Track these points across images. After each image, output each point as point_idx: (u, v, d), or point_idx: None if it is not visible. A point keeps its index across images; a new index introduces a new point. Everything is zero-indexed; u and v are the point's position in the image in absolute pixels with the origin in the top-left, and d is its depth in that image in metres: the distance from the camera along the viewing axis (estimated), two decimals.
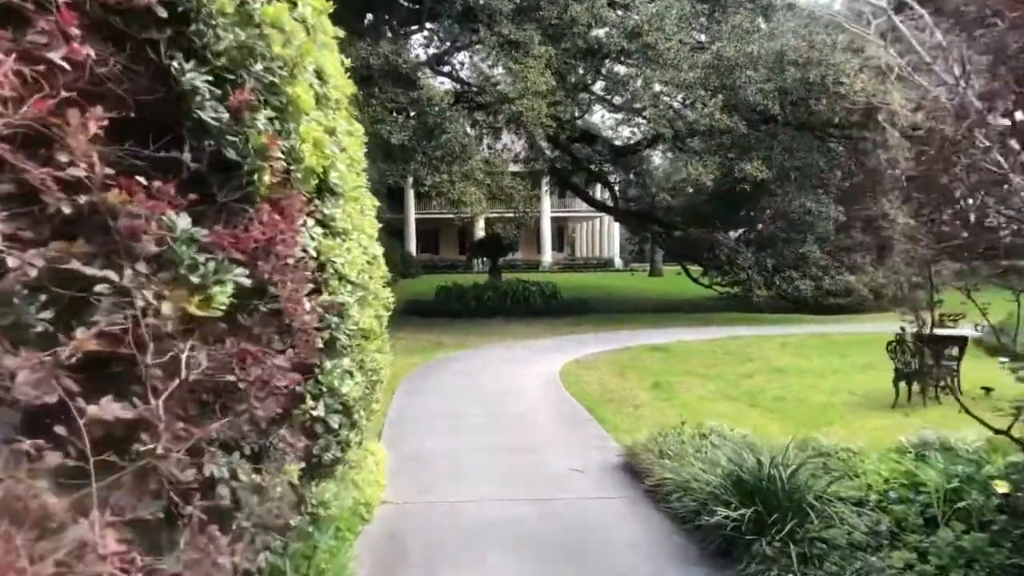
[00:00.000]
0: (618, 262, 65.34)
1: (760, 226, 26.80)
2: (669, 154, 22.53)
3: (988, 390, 10.58)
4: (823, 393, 11.49)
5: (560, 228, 65.29)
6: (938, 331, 12.01)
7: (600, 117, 30.54)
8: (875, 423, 9.46)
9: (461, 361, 15.12)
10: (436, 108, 20.70)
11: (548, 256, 59.25)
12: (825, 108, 19.59)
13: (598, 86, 25.20)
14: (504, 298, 26.28)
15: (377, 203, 4.77)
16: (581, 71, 22.86)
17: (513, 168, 25.85)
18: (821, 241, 23.42)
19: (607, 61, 21.99)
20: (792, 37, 19.82)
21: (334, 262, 3.69)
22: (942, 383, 10.28)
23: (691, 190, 27.30)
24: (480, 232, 50.00)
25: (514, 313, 24.90)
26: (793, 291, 25.00)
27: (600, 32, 22.21)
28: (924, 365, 10.10)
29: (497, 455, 7.95)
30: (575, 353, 15.69)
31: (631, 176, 30.94)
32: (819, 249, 24.47)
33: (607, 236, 66.59)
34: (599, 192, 39.70)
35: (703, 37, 21.90)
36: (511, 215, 24.79)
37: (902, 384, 10.50)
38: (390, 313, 5.91)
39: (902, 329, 10.88)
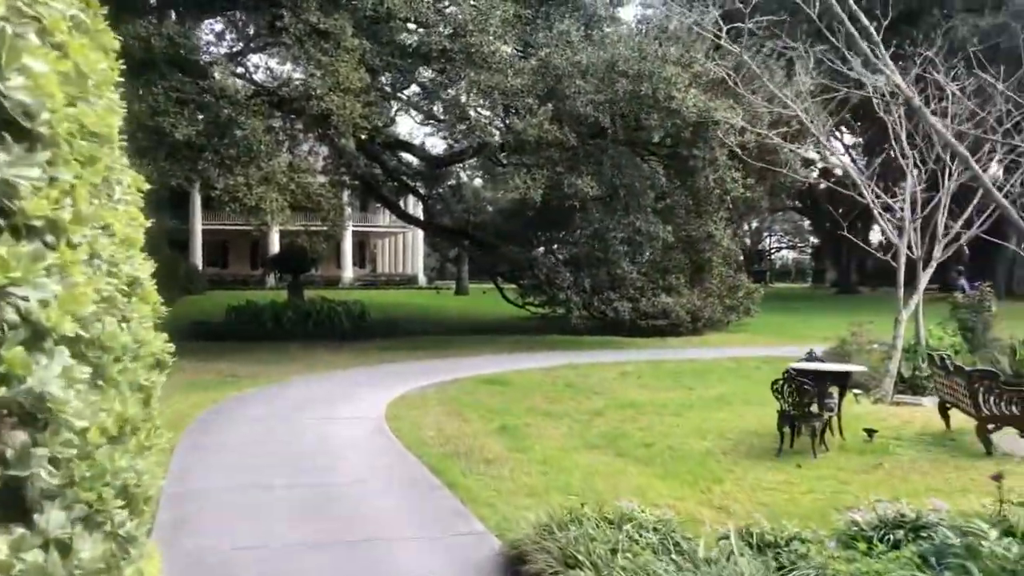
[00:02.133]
0: (422, 279, 63.56)
1: (578, 246, 25.73)
2: (496, 167, 20.77)
3: (871, 432, 9.52)
4: (691, 436, 10.04)
5: (361, 243, 62.53)
6: (819, 365, 10.99)
7: (415, 125, 28.63)
8: (770, 478, 8.04)
9: (260, 401, 12.54)
10: (231, 102, 17.94)
11: (349, 272, 56.41)
12: (656, 123, 18.66)
13: (416, 89, 23.31)
14: (306, 319, 23.56)
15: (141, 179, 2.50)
16: (399, 70, 20.83)
17: (319, 178, 23.35)
18: (649, 262, 22.64)
19: (428, 62, 20.04)
20: (623, 48, 18.77)
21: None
22: (823, 427, 9.05)
23: (511, 206, 25.93)
24: (275, 245, 46.45)
25: (318, 337, 22.27)
26: (611, 312, 24.10)
27: (420, 29, 20.31)
28: (806, 407, 8.84)
29: (321, 554, 5.71)
30: (398, 387, 13.52)
31: (447, 189, 29.16)
32: (636, 270, 23.75)
33: (411, 252, 64.66)
34: (411, 206, 37.68)
35: (531, 42, 20.46)
36: (317, 227, 22.17)
37: (787, 429, 9.20)
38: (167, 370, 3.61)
39: (787, 370, 9.68)
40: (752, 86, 18.61)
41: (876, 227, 72.63)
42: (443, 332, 25.35)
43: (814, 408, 8.85)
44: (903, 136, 13.82)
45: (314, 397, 12.78)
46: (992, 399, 8.51)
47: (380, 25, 19.68)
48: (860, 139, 46.35)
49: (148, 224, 2.59)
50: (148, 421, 2.85)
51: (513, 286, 30.42)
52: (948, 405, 9.88)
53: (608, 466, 8.61)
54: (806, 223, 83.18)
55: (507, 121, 18.87)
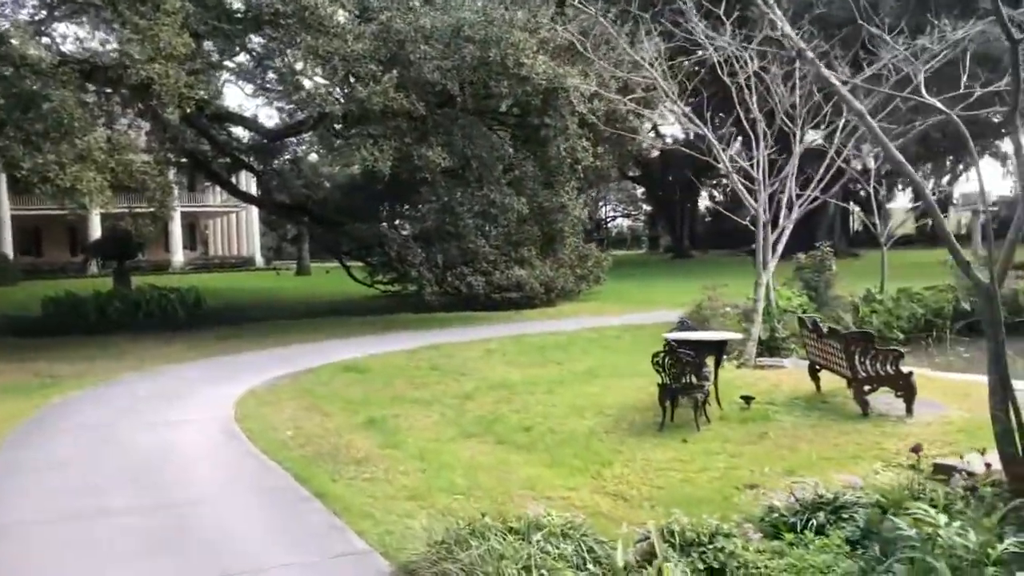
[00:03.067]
0: (259, 260, 60.76)
1: (428, 220, 24.89)
2: (338, 139, 19.59)
3: (748, 400, 9.37)
4: (569, 415, 9.58)
5: (191, 224, 59.02)
6: (696, 334, 10.77)
7: (246, 97, 26.86)
8: (660, 457, 7.67)
9: (88, 405, 11.11)
10: (34, 71, 15.96)
11: (180, 256, 53.14)
12: (506, 90, 18.07)
13: (246, 58, 21.69)
14: (136, 309, 21.61)
15: None
16: (226, 36, 19.21)
17: (143, 156, 21.34)
18: (503, 234, 22.13)
19: (259, 26, 18.56)
20: (468, 12, 18.01)
21: None
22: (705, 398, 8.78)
23: (355, 180, 24.75)
24: (96, 229, 42.91)
25: (150, 328, 20.42)
26: (465, 288, 23.54)
27: None
28: (686, 378, 8.54)
29: None
30: (246, 381, 12.37)
31: (284, 164, 27.53)
32: (487, 243, 23.26)
33: (245, 232, 61.64)
34: (245, 182, 35.58)
35: (369, 5, 19.31)
36: (142, 208, 20.25)
37: (668, 402, 8.86)
38: None
39: (668, 341, 9.34)
40: (599, 52, 18.36)
41: (704, 193, 74.92)
42: (288, 316, 23.96)
43: (695, 379, 8.55)
44: (753, 101, 13.85)
45: (151, 397, 11.46)
46: (868, 361, 8.49)
47: None
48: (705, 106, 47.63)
49: None
50: None
51: (360, 264, 29.30)
52: (818, 367, 9.89)
53: (490, 456, 8.00)
54: (639, 191, 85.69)
55: (349, 90, 17.71)
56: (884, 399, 8.87)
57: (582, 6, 19.22)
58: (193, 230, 60.03)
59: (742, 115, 14.73)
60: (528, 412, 9.91)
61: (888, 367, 8.45)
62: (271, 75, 22.70)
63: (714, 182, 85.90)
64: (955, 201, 71.59)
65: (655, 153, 22.91)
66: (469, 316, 22.04)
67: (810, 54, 6.29)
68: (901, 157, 5.79)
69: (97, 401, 11.36)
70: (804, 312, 16.83)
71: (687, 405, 8.75)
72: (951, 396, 9.37)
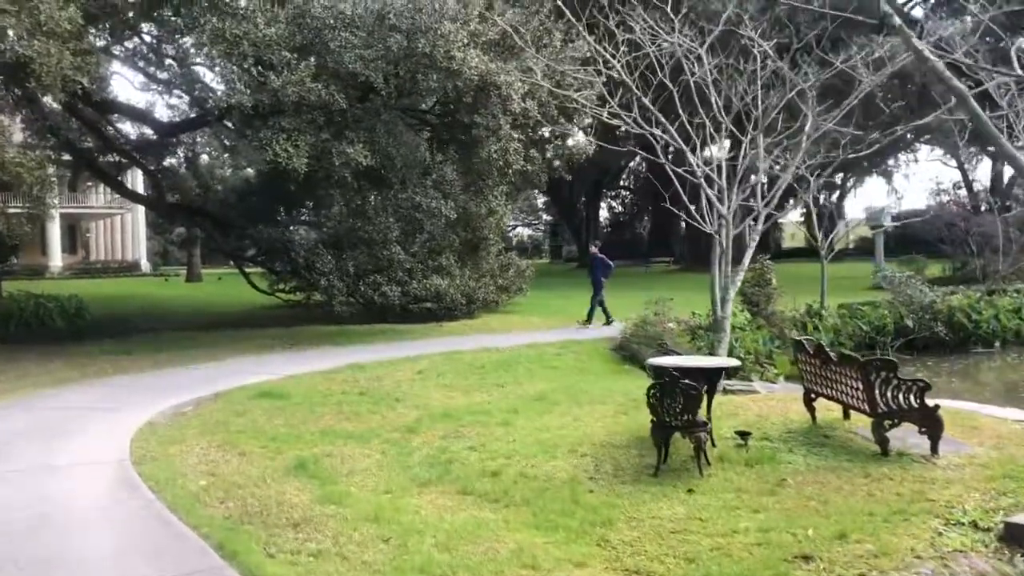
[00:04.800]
0: (145, 265, 57.15)
1: (340, 224, 23.08)
2: (246, 134, 17.68)
3: (744, 436, 8.20)
4: (537, 453, 8.19)
5: (71, 227, 55.00)
6: (689, 360, 9.53)
7: (138, 87, 24.51)
8: (668, 513, 6.39)
9: None
10: None
11: (58, 260, 49.39)
12: (436, 84, 16.60)
13: (142, 41, 19.53)
14: (7, 321, 19.10)
15: None
16: (118, 13, 17.10)
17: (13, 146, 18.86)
18: (427, 241, 20.55)
19: (160, 4, 16.55)
20: None
21: None
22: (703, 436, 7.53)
23: (259, 180, 22.77)
24: None
25: (25, 342, 18.00)
26: (379, 298, 21.87)
27: None
28: (687, 414, 7.28)
29: None
30: (142, 409, 10.49)
31: (180, 161, 25.22)
32: (403, 251, 21.68)
33: (131, 236, 57.93)
34: (131, 182, 32.83)
35: None
36: (16, 208, 17.85)
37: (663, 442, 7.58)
38: None
39: (666, 370, 8.04)
40: (535, 50, 17.17)
41: (604, 204, 74.99)
42: (182, 328, 21.74)
43: (696, 416, 7.30)
44: (715, 100, 12.86)
45: (23, 433, 9.45)
46: (889, 392, 7.43)
47: None
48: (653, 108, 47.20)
49: None
50: None
51: (260, 271, 27.20)
52: (815, 396, 8.83)
53: (459, 514, 6.54)
54: (540, 200, 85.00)
55: (260, 79, 15.88)
56: (897, 432, 7.84)
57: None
58: (73, 232, 55.98)
59: (690, 117, 13.78)
60: (487, 450, 8.47)
61: (912, 399, 7.40)
62: (169, 62, 20.58)
63: (613, 192, 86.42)
64: (845, 216, 73.78)
65: (582, 150, 21.59)
66: (386, 329, 20.39)
67: (906, 30, 5.16)
68: (1013, 150, 4.71)
69: None
70: (748, 327, 16.01)
71: (691, 446, 7.49)
72: (960, 429, 8.42)
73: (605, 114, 13.33)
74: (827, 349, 8.74)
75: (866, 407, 7.57)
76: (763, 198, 13.12)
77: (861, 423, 8.57)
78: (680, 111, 13.79)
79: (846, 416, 8.81)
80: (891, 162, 61.30)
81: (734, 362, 9.55)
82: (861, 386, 7.56)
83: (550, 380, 12.53)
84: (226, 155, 37.24)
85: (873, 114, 21.18)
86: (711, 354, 13.17)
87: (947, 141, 42.03)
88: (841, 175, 71.73)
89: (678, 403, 7.21)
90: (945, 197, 48.39)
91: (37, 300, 20.22)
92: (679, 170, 12.84)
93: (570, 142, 21.64)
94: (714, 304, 15.61)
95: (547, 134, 21.56)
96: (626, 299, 26.03)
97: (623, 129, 15.05)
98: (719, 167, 12.50)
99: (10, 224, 17.95)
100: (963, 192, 53.31)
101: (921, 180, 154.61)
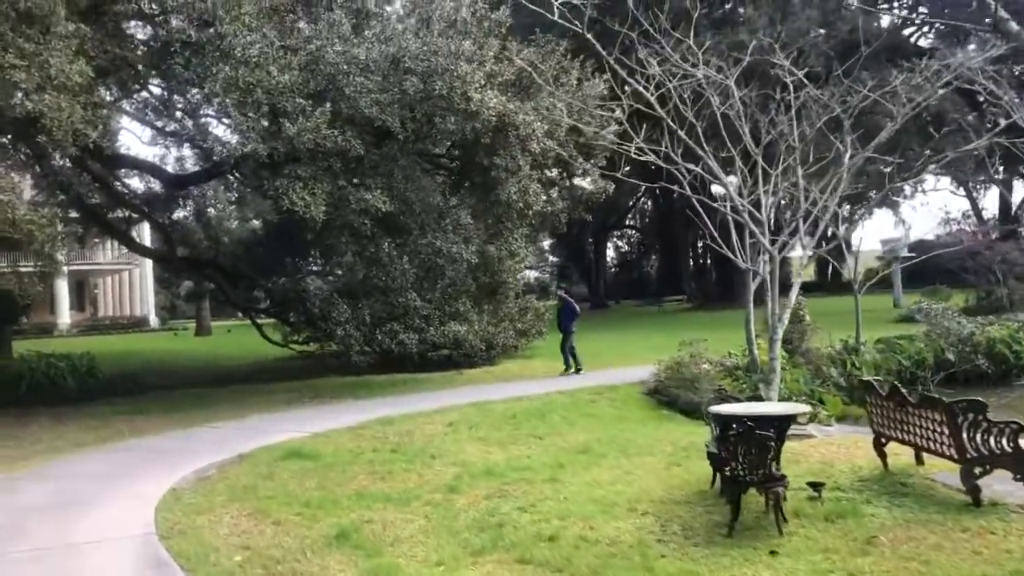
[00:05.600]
0: (154, 320, 56.73)
1: (354, 273, 22.61)
2: (262, 182, 17.28)
3: (817, 487, 7.59)
4: (595, 514, 7.58)
5: (79, 283, 54.69)
6: (757, 408, 8.94)
7: (144, 143, 24.32)
8: None
9: None
10: None
11: (66, 318, 48.99)
12: (454, 126, 16.23)
13: (152, 94, 19.26)
14: (18, 383, 18.56)
15: None
16: (129, 66, 16.84)
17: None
18: (449, 286, 20.07)
19: (170, 55, 16.25)
20: (412, 40, 16.17)
21: None
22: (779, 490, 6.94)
23: (270, 230, 22.37)
24: None
25: (35, 404, 17.46)
26: (397, 346, 21.33)
27: (159, 16, 16.55)
28: (764, 468, 6.70)
29: None
30: (164, 475, 9.90)
31: (190, 213, 24.87)
32: (419, 297, 21.17)
33: (139, 290, 57.54)
34: (138, 236, 32.47)
35: (295, 33, 17.30)
36: (26, 267, 17.44)
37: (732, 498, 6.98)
38: None
39: (730, 422, 7.46)
40: (553, 88, 16.86)
41: (611, 244, 74.64)
42: (197, 384, 21.22)
43: (773, 469, 6.72)
44: (745, 132, 12.44)
45: (40, 506, 8.84)
46: (979, 436, 6.85)
47: (104, 8, 15.75)
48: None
49: None
50: None
51: (271, 322, 26.70)
52: (886, 440, 8.24)
53: None
54: (546, 243, 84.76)
55: (275, 127, 15.53)
56: (984, 479, 7.23)
57: (533, 39, 17.71)
58: (81, 289, 55.68)
59: (715, 151, 13.35)
60: (538, 510, 7.87)
61: (1005, 443, 6.82)
62: (178, 114, 20.30)
63: (618, 232, 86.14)
64: (855, 247, 73.40)
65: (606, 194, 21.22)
66: (406, 379, 19.83)
67: None
68: None
69: None
70: (787, 366, 15.42)
71: (771, 502, 6.89)
72: None
73: (632, 150, 12.87)
74: (900, 390, 8.14)
75: (953, 453, 6.98)
76: (794, 232, 12.64)
77: (938, 468, 8.01)
78: (704, 145, 13.38)
79: (919, 461, 8.23)
80: (903, 192, 60.93)
81: (804, 408, 9.00)
82: (947, 430, 6.98)
83: (590, 429, 11.94)
84: (231, 207, 37.10)
85: (895, 144, 20.79)
86: (753, 397, 12.59)
87: (958, 170, 41.67)
88: (848, 206, 71.67)
89: (752, 455, 6.62)
90: (954, 226, 47.89)
91: (48, 360, 19.71)
92: (714, 204, 12.36)
93: (587, 182, 21.15)
94: (749, 343, 15.06)
95: (566, 174, 21.12)
96: (647, 340, 25.57)
97: (651, 163, 14.60)
98: (757, 202, 12.02)
99: (22, 283, 17.50)
100: (972, 220, 52.87)
101: (929, 210, 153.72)
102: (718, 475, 7.95)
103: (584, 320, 43.90)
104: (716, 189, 15.40)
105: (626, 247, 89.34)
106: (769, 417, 7.52)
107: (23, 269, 18.25)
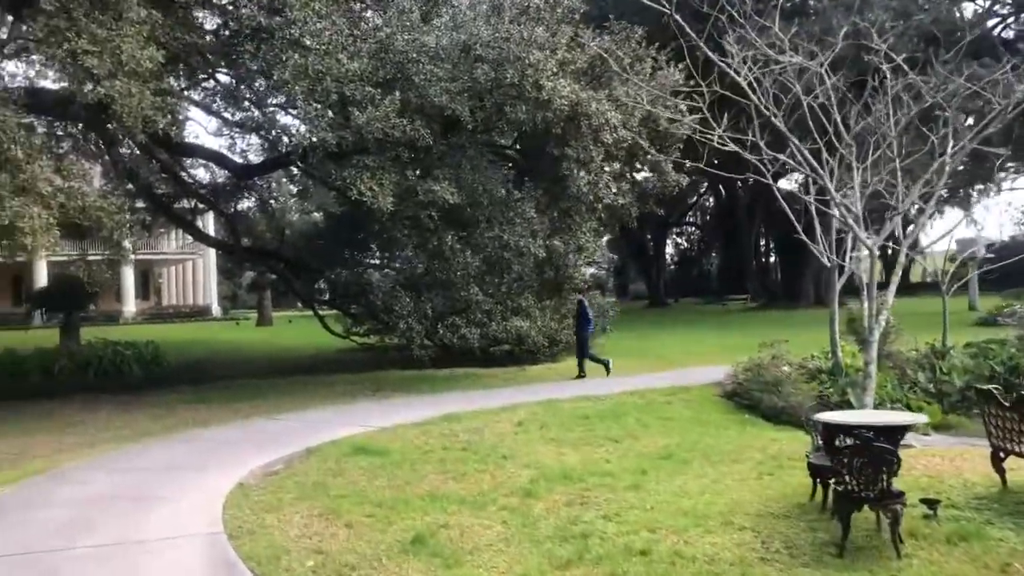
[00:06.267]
0: (216, 310, 57.43)
1: (416, 265, 22.30)
2: (329, 172, 17.05)
3: (932, 504, 6.95)
4: (687, 527, 7.03)
5: (144, 272, 55.63)
6: (872, 416, 8.31)
7: (209, 133, 24.31)
8: None
9: (14, 512, 8.25)
10: None
11: (132, 306, 49.84)
12: (525, 116, 15.75)
13: (221, 82, 19.17)
14: (86, 369, 18.71)
15: None
16: (198, 53, 16.74)
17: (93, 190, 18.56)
18: (515, 280, 19.62)
19: (240, 42, 16.10)
20: (483, 27, 15.74)
21: None
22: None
23: (334, 221, 22.18)
24: (43, 274, 39.62)
25: (102, 391, 17.54)
26: (459, 341, 20.93)
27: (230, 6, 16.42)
28: (882, 483, 6.10)
29: None
30: (231, 470, 9.63)
31: (255, 203, 24.85)
32: (482, 292, 20.74)
33: (203, 280, 58.29)
34: (202, 226, 32.70)
35: (364, 20, 17.03)
36: (96, 254, 17.50)
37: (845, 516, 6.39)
38: None
39: (852, 429, 6.86)
40: (630, 75, 16.26)
41: (670, 240, 73.37)
42: (259, 374, 21.18)
43: (889, 484, 6.11)
44: (838, 119, 11.72)
45: (106, 499, 8.61)
46: None
47: None
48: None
49: None
50: None
51: (334, 313, 26.57)
52: (1004, 454, 7.55)
53: None
54: (603, 239, 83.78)
55: (343, 116, 15.25)
56: None
57: (607, 26, 17.10)
58: (146, 278, 56.65)
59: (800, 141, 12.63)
60: (624, 520, 7.36)
61: None
62: (246, 103, 20.19)
63: (678, 229, 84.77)
64: (923, 247, 71.17)
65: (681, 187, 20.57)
66: (468, 374, 19.49)
67: None
68: None
69: (27, 507, 8.47)
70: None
71: (887, 521, 6.30)
72: None
73: (715, 140, 12.24)
74: None
75: None
76: (897, 228, 11.91)
77: None
78: (789, 135, 12.69)
79: None
80: (976, 190, 58.77)
81: (922, 418, 8.34)
82: None
83: (668, 433, 11.37)
84: (292, 200, 37.20)
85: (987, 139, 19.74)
86: (842, 403, 11.91)
87: None
88: (917, 205, 69.45)
89: (869, 469, 6.03)
90: None
91: (115, 347, 19.84)
92: (806, 198, 11.69)
93: (661, 172, 20.43)
94: (833, 345, 14.34)
95: (639, 165, 20.50)
96: (717, 340, 24.86)
97: (723, 155, 13.94)
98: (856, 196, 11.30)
99: (91, 271, 17.57)
100: None
101: (1001, 210, 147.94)
102: (819, 488, 7.38)
103: (645, 318, 43.22)
104: (783, 184, 14.69)
105: (686, 244, 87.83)
106: (880, 428, 6.88)
107: (91, 257, 18.32)
